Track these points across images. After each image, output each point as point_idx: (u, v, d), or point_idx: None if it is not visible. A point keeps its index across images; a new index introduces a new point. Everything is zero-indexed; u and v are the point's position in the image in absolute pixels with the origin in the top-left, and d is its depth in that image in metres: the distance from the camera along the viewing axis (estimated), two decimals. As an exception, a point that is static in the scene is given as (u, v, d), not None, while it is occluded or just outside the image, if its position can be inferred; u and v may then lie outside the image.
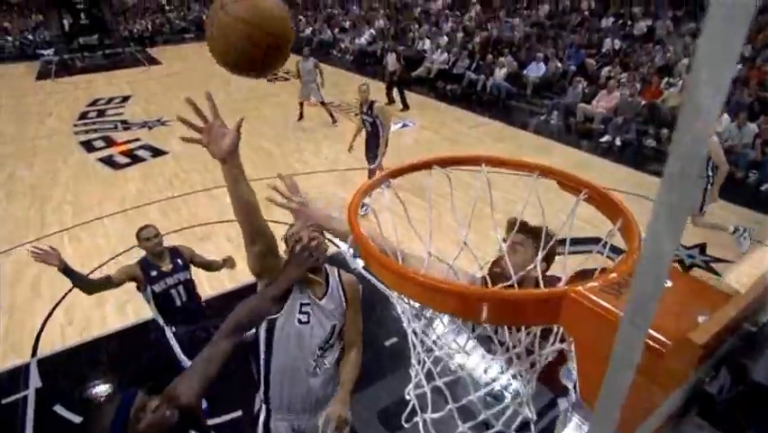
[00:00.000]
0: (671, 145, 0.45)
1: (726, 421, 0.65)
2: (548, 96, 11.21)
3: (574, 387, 2.12)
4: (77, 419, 3.63)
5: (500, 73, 11.59)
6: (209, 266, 3.82)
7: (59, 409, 3.71)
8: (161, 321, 3.50)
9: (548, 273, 1.72)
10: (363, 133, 6.60)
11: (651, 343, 0.72)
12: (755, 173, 7.50)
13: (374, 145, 6.46)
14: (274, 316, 2.08)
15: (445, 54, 13.38)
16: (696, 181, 0.46)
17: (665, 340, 0.72)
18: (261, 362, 2.16)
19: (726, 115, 7.96)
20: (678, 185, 0.45)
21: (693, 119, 0.42)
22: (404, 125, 10.08)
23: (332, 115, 10.13)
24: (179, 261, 3.50)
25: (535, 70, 11.62)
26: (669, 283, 0.86)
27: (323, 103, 10.09)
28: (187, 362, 3.29)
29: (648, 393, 0.69)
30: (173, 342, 3.45)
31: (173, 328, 3.48)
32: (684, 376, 0.68)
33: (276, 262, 1.98)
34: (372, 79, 12.30)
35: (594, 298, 0.76)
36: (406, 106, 11.20)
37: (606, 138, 9.12)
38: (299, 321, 2.11)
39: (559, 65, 11.64)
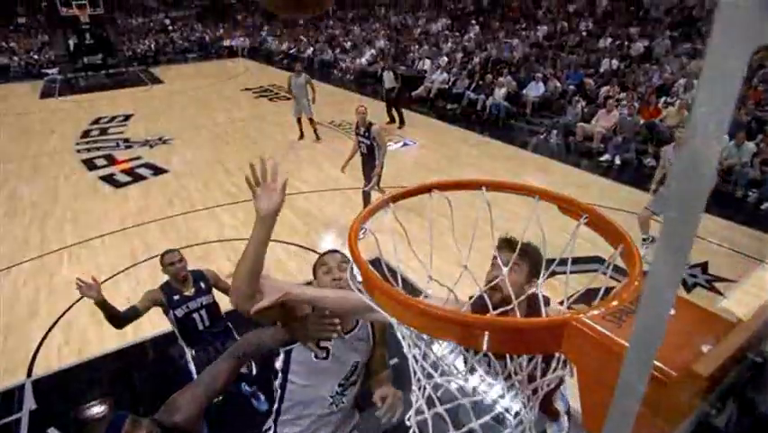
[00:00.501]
0: (673, 174, 0.44)
1: (734, 456, 0.63)
2: (547, 116, 11.30)
3: (567, 412, 2.10)
4: (72, 442, 3.58)
5: (500, 93, 11.69)
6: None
7: (52, 432, 3.65)
8: (182, 343, 3.50)
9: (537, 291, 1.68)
10: (359, 154, 6.54)
11: (655, 373, 0.71)
12: (755, 192, 7.52)
13: (370, 168, 6.40)
14: (291, 346, 1.94)
15: (445, 74, 13.53)
16: (699, 213, 0.45)
17: (669, 371, 0.71)
18: (278, 387, 2.03)
19: (725, 135, 8.00)
20: (681, 215, 0.44)
21: (694, 143, 0.42)
22: (404, 144, 10.14)
23: (316, 133, 10.29)
24: (202, 284, 3.46)
25: (535, 90, 11.73)
26: (672, 311, 0.85)
27: (311, 120, 10.22)
28: None
29: (653, 425, 0.68)
30: (191, 365, 3.44)
31: (192, 352, 3.46)
32: (690, 408, 0.67)
33: (272, 313, 1.78)
34: (373, 99, 12.46)
35: (596, 326, 0.75)
36: (402, 123, 11.35)
37: (605, 157, 9.15)
38: (316, 356, 1.92)
39: (558, 85, 11.76)
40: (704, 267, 5.58)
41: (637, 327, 0.49)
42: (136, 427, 1.57)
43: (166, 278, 3.45)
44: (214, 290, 3.56)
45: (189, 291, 3.42)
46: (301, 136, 10.40)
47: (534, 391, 1.13)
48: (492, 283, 1.64)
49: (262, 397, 3.76)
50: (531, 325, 0.77)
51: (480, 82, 12.44)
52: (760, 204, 7.36)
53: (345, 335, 1.95)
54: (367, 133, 6.24)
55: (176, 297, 3.36)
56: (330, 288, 1.91)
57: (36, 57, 22.92)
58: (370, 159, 6.36)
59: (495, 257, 1.70)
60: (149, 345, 4.52)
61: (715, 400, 0.68)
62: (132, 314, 3.25)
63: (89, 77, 19.45)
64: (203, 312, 3.44)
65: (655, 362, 0.71)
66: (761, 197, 7.41)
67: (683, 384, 0.68)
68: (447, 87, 13.15)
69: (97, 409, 3.86)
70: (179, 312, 3.37)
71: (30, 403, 3.91)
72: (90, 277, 3.04)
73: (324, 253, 2.10)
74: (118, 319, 3.19)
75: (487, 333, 0.76)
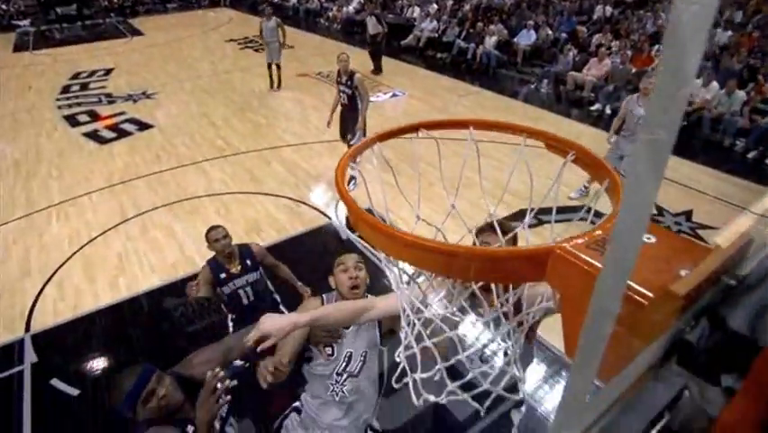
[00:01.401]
0: (652, 95, 0.45)
1: (704, 368, 0.67)
2: (538, 65, 11.11)
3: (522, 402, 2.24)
4: (75, 392, 3.67)
5: (490, 41, 11.43)
6: (278, 272, 3.69)
7: (56, 382, 3.75)
8: (225, 309, 3.53)
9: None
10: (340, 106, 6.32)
11: (634, 296, 0.74)
12: (742, 141, 7.56)
13: (352, 119, 6.17)
14: None
15: (435, 22, 13.14)
16: (673, 135, 0.46)
17: (647, 293, 0.74)
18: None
19: (715, 83, 7.95)
20: (657, 134, 0.45)
21: (663, 90, 0.42)
22: (393, 95, 9.97)
23: (279, 81, 10.18)
24: (249, 261, 3.43)
25: (526, 38, 11.47)
26: (653, 240, 0.88)
27: (278, 66, 10.04)
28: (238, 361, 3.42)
29: (630, 344, 0.72)
30: (230, 329, 3.52)
31: (232, 316, 3.52)
32: (665, 326, 0.70)
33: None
34: (362, 49, 12.12)
35: (580, 254, 0.77)
36: (378, 70, 11.20)
37: (596, 106, 9.10)
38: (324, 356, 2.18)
39: (549, 33, 11.50)
40: (688, 215, 5.68)
41: (613, 239, 0.51)
42: (161, 383, 1.77)
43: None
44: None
45: (236, 269, 3.38)
46: (271, 83, 10.23)
47: (520, 324, 1.18)
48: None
49: None
50: (516, 254, 0.80)
51: (471, 30, 12.12)
52: (746, 153, 7.42)
53: (346, 328, 2.19)
54: (349, 82, 6.04)
55: (222, 275, 3.34)
56: (346, 286, 2.18)
57: (4, 7, 21.76)
58: (351, 109, 6.16)
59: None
60: (143, 298, 4.58)
61: (689, 318, 0.71)
62: (214, 303, 3.39)
63: (64, 29, 18.60)
64: (248, 289, 3.42)
65: (635, 285, 0.74)
66: (748, 146, 7.45)
67: (660, 305, 0.71)
68: (437, 35, 12.80)
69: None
70: (226, 289, 3.36)
71: (30, 356, 3.99)
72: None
73: (342, 253, 2.31)
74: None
75: (474, 263, 0.79)
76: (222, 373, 1.68)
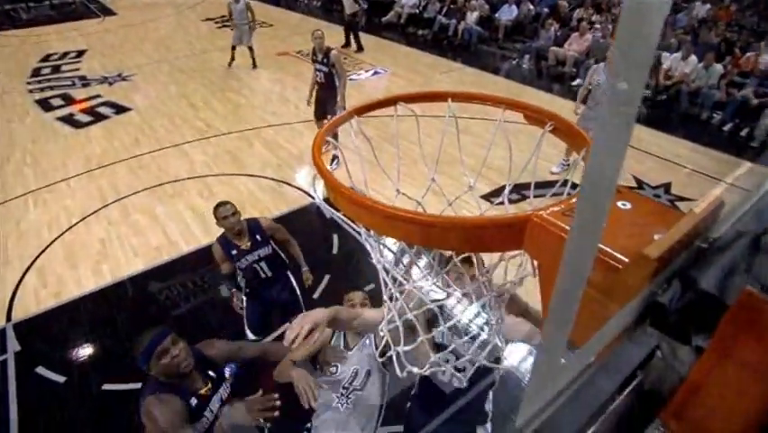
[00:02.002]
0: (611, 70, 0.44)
1: (675, 328, 0.69)
2: (520, 40, 11.05)
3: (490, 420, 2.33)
4: (62, 379, 3.65)
5: (472, 17, 11.32)
6: (289, 248, 3.61)
7: (41, 370, 3.72)
8: (241, 284, 3.53)
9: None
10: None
11: (609, 261, 0.76)
12: (719, 114, 7.66)
13: (329, 99, 5.96)
14: None
15: (416, -2, 12.95)
16: (638, 99, 0.46)
17: (622, 257, 0.75)
18: None
19: (693, 57, 8.01)
20: (621, 99, 0.44)
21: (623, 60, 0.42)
22: (375, 73, 9.86)
23: (254, 61, 10.07)
24: (258, 236, 3.39)
25: (507, 13, 11.38)
26: (629, 206, 0.89)
27: (250, 48, 9.93)
28: (250, 335, 3.54)
29: (606, 307, 0.73)
30: (243, 304, 3.53)
31: (246, 290, 3.52)
32: (639, 289, 0.72)
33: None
34: (341, 26, 11.93)
35: (556, 221, 0.78)
36: (360, 48, 11.14)
37: (577, 81, 9.10)
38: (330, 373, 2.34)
39: (531, 8, 11.42)
40: (667, 187, 5.78)
41: (581, 200, 0.52)
42: (175, 344, 2.00)
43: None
44: None
45: (245, 245, 3.34)
46: (231, 62, 10.14)
47: (500, 295, 1.19)
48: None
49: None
50: (494, 222, 0.80)
51: (452, 6, 11.98)
52: (723, 126, 7.53)
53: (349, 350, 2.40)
54: (325, 60, 5.84)
55: (233, 251, 3.31)
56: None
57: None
58: (329, 88, 5.95)
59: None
60: (128, 283, 4.54)
61: (662, 281, 0.73)
62: (234, 279, 3.46)
63: (31, 8, 17.89)
64: (263, 264, 3.40)
65: (610, 250, 0.76)
66: (724, 118, 7.56)
67: (635, 268, 0.73)
68: (418, 11, 12.63)
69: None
70: (241, 264, 3.35)
71: (14, 345, 3.94)
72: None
73: (350, 291, 2.65)
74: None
75: (452, 232, 0.79)
76: (278, 403, 1.84)
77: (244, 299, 3.52)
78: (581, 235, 0.53)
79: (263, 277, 3.45)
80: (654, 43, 0.42)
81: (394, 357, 1.19)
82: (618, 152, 0.47)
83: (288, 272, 3.64)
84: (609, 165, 0.48)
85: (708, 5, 9.96)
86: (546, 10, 11.25)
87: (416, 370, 1.19)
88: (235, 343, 2.39)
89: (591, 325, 0.69)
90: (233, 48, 9.99)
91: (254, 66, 10.06)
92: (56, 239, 5.13)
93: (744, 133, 7.30)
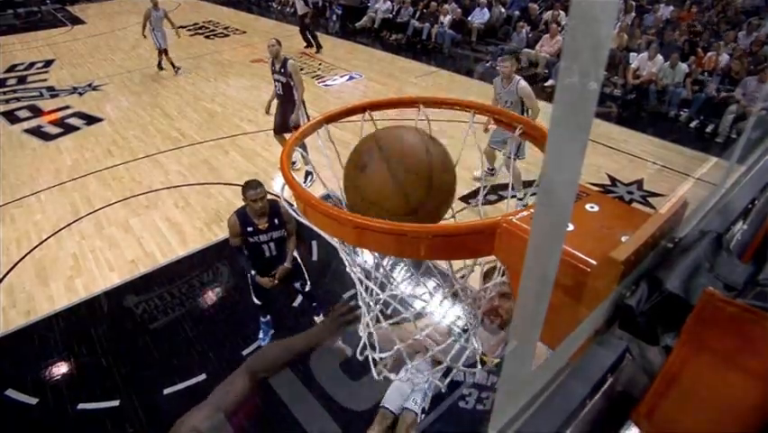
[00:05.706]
0: (559, 78, 0.44)
1: (644, 329, 0.70)
2: (493, 43, 11.19)
3: None
4: (33, 401, 3.54)
5: (445, 21, 11.42)
6: (289, 239, 3.70)
7: (11, 393, 3.59)
8: (250, 260, 3.64)
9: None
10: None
11: (578, 264, 0.76)
12: (686, 111, 7.90)
13: (288, 112, 5.74)
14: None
15: (389, 3, 13.00)
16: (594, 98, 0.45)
17: (591, 261, 0.76)
18: None
19: (660, 56, 8.24)
20: (576, 93, 0.44)
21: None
22: (350, 78, 9.86)
23: (172, 63, 10.30)
24: (276, 220, 3.52)
25: (480, 17, 11.51)
26: (597, 208, 0.90)
27: (165, 51, 10.13)
28: (256, 301, 3.82)
29: (576, 310, 0.74)
30: (250, 281, 3.72)
31: (253, 272, 3.63)
32: (608, 292, 0.73)
33: None
34: (320, 34, 11.95)
35: (525, 225, 0.78)
36: (318, 46, 11.55)
37: (550, 82, 9.26)
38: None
39: (502, 10, 11.58)
40: (640, 184, 5.91)
41: (536, 213, 0.52)
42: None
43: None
44: None
45: (263, 225, 3.48)
46: (159, 65, 10.45)
47: (475, 301, 1.20)
48: None
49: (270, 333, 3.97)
50: (464, 229, 0.80)
51: (425, 10, 12.08)
52: (689, 123, 7.77)
53: None
54: (283, 69, 5.64)
55: (249, 228, 3.46)
56: None
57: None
58: (288, 99, 5.74)
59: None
60: (102, 298, 4.42)
61: (630, 283, 0.74)
62: (243, 255, 3.57)
63: (-5, 18, 17.40)
64: (272, 244, 3.57)
65: (578, 253, 0.76)
66: (690, 115, 7.80)
67: (603, 271, 0.74)
68: (391, 16, 12.70)
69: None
70: (250, 240, 3.50)
71: (-19, 367, 3.81)
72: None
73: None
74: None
75: (423, 241, 0.79)
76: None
77: (253, 272, 3.63)
78: (543, 239, 0.53)
79: (268, 256, 3.60)
80: (606, 41, 0.42)
81: (370, 359, 1.18)
82: (575, 153, 0.47)
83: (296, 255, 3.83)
84: (567, 167, 0.48)
85: (672, 7, 10.25)
86: (518, 13, 11.42)
87: (393, 376, 1.19)
88: (213, 396, 1.91)
89: (563, 328, 0.69)
90: (159, 53, 10.25)
91: (175, 68, 10.38)
92: (25, 255, 4.98)
93: (709, 129, 7.53)
